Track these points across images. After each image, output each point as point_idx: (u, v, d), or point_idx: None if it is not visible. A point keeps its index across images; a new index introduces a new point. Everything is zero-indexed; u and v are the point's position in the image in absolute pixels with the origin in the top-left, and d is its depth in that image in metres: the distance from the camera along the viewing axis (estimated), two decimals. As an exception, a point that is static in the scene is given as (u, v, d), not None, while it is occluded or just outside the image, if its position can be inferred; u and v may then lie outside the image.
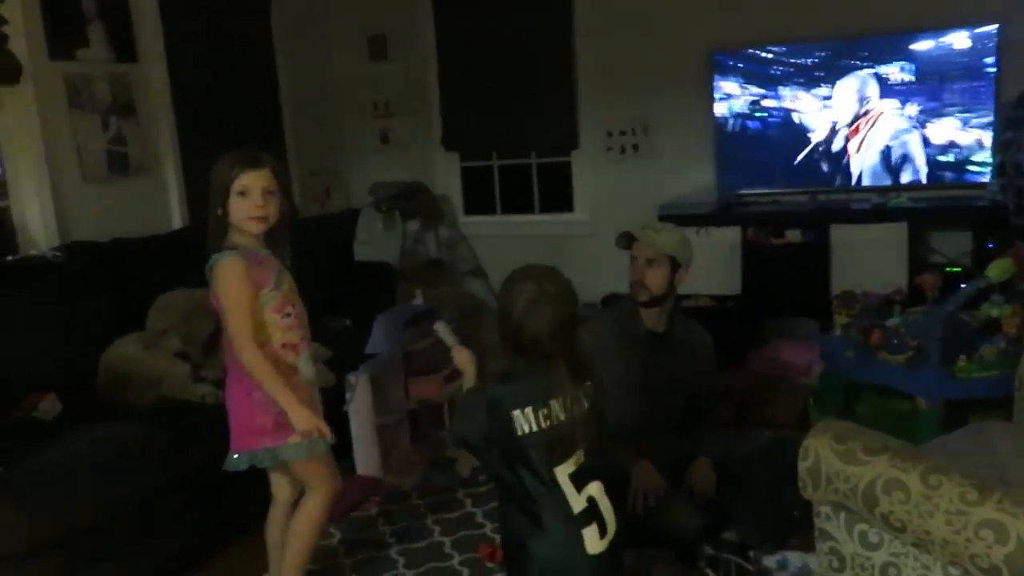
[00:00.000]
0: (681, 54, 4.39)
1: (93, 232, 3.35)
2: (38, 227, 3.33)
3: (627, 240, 2.63)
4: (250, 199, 1.99)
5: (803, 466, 1.76)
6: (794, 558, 2.40)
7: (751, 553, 2.43)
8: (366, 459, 3.21)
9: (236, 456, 2.07)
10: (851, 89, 4.06)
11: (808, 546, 2.22)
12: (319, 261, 4.03)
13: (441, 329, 2.04)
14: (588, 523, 1.71)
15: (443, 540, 2.74)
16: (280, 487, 2.24)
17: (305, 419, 2.00)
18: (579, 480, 1.71)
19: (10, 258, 3.08)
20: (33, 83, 3.27)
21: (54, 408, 2.70)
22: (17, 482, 2.13)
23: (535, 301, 1.68)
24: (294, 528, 2.17)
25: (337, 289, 3.98)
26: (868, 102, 4.04)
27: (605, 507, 1.74)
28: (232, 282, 1.97)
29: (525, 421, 1.67)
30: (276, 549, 2.25)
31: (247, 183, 1.99)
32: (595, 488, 1.74)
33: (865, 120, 4.06)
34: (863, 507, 1.64)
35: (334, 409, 3.15)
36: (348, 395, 3.14)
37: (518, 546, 1.74)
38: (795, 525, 2.49)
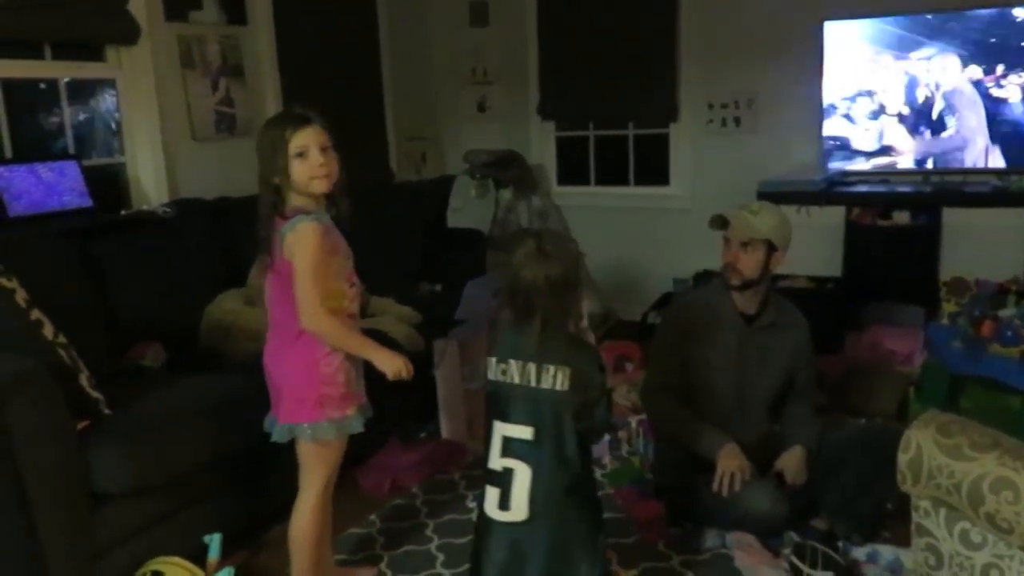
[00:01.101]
0: (790, 24, 4.21)
1: (200, 190, 3.48)
2: (150, 183, 3.48)
3: (721, 222, 2.54)
4: (309, 158, 1.93)
5: (903, 458, 1.68)
6: (885, 552, 2.32)
7: (840, 543, 2.36)
8: (452, 424, 3.26)
9: (288, 427, 2.02)
10: (970, 60, 3.81)
11: (901, 540, 2.15)
12: (413, 226, 4.09)
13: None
14: (492, 484, 1.78)
15: (524, 508, 2.77)
16: None
17: (391, 359, 1.99)
18: (509, 449, 1.75)
19: (123, 212, 3.23)
20: (150, 44, 3.40)
21: (159, 357, 2.83)
22: (125, 426, 2.24)
23: (531, 255, 1.75)
24: (292, 535, 2.11)
25: (429, 254, 4.03)
26: (991, 76, 3.79)
27: (519, 491, 1.73)
28: (311, 247, 1.90)
29: (489, 368, 1.81)
30: None
31: (302, 143, 1.92)
32: (521, 468, 1.74)
33: (987, 96, 3.82)
34: (967, 505, 1.56)
35: (422, 373, 3.21)
36: (436, 360, 3.19)
37: None
38: (888, 518, 2.41)
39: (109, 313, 2.79)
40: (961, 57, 3.81)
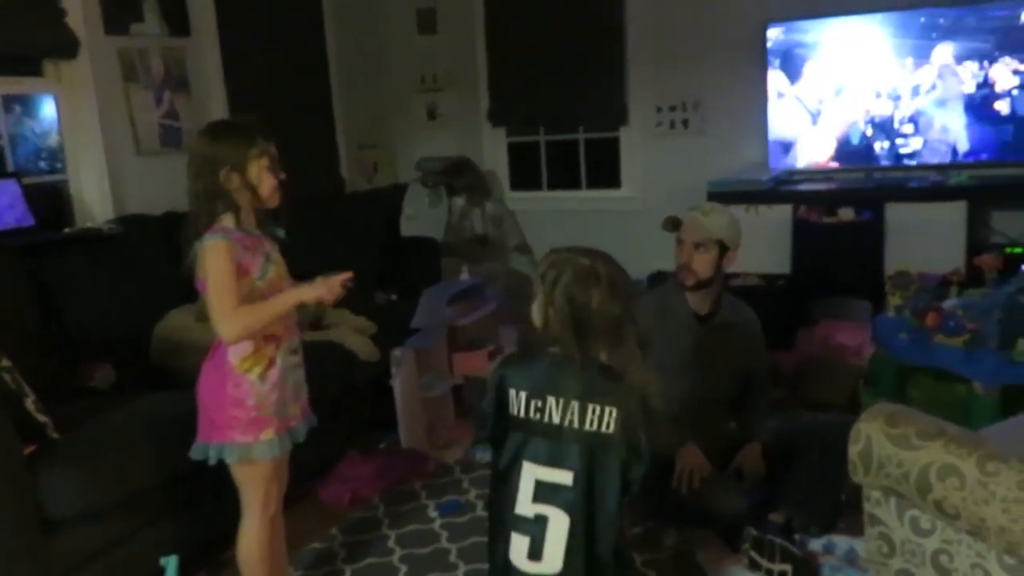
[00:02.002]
0: (736, 27, 4.29)
1: (146, 205, 3.41)
2: (94, 200, 3.41)
3: (673, 224, 2.58)
4: (275, 170, 1.92)
5: (854, 449, 1.72)
6: (841, 542, 2.37)
7: (797, 536, 2.40)
8: (411, 433, 3.24)
9: (203, 446, 1.98)
10: (910, 61, 3.92)
11: (856, 530, 2.19)
12: (367, 235, 4.06)
13: None
14: (521, 532, 1.61)
15: (485, 515, 2.75)
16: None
17: (312, 290, 1.91)
18: (543, 494, 1.60)
19: (67, 230, 3.15)
20: (89, 58, 3.33)
21: (109, 377, 2.78)
22: (74, 449, 2.19)
23: (595, 284, 1.60)
24: (239, 558, 2.08)
25: (384, 264, 4.01)
26: (928, 74, 3.90)
27: (554, 541, 1.58)
28: (215, 263, 1.86)
29: (517, 402, 1.64)
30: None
31: (274, 152, 1.92)
32: (556, 516, 1.59)
33: (925, 93, 3.93)
34: (916, 493, 1.60)
35: (380, 383, 3.19)
36: (393, 369, 3.17)
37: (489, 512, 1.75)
38: (843, 509, 2.46)
39: (55, 334, 2.74)
40: (903, 55, 3.92)
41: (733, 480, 2.53)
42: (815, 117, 4.14)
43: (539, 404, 1.61)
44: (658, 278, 4.17)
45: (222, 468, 2.02)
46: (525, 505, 1.61)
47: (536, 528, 1.60)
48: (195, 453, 2.01)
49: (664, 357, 2.57)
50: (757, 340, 2.75)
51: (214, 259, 1.87)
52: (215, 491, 2.44)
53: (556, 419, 1.60)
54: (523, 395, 1.63)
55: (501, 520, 1.67)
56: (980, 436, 1.65)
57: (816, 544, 2.39)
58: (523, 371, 1.66)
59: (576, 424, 1.59)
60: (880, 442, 1.67)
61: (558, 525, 1.58)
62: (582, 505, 1.59)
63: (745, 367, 2.70)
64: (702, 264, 2.54)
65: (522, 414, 1.63)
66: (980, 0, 3.75)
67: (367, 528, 2.75)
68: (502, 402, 1.65)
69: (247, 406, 1.94)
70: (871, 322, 3.28)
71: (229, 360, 1.94)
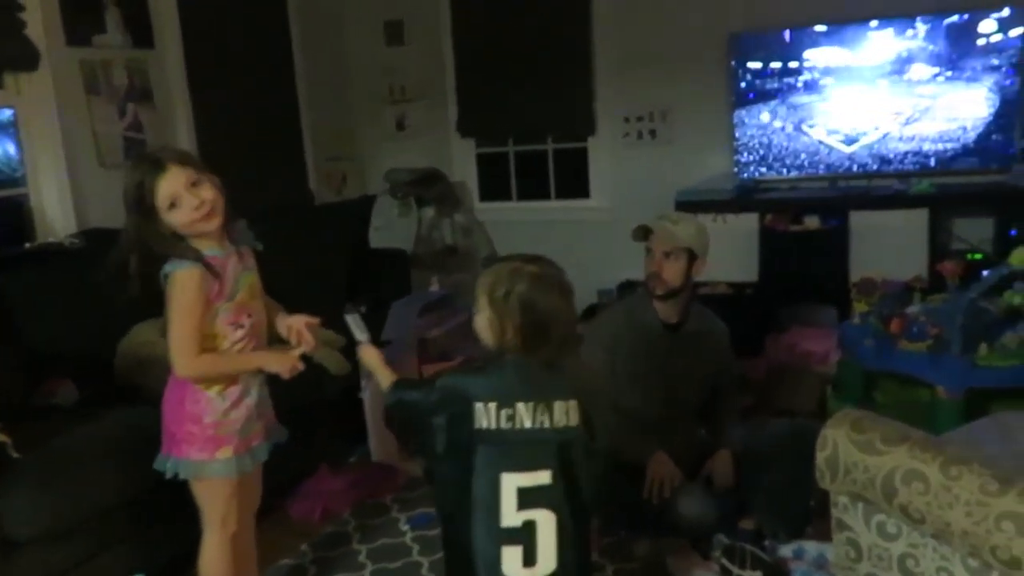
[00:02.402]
0: (701, 38, 4.33)
1: (110, 219, 3.33)
2: (56, 214, 3.35)
3: (643, 233, 2.59)
4: (183, 204, 1.80)
5: (821, 456, 1.74)
6: (810, 547, 2.38)
7: (767, 542, 2.42)
8: (381, 446, 3.22)
9: (163, 459, 1.97)
10: (875, 71, 3.99)
11: (825, 536, 2.20)
12: (336, 248, 4.03)
13: (351, 321, 1.97)
14: (512, 543, 1.60)
15: (458, 527, 2.75)
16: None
17: (280, 360, 1.93)
18: (527, 499, 1.60)
19: (28, 245, 3.10)
20: (50, 69, 3.28)
21: (71, 395, 2.72)
22: (35, 469, 2.15)
23: (547, 284, 1.62)
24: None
25: (353, 276, 3.98)
26: (890, 85, 3.98)
27: (545, 542, 1.60)
28: (184, 294, 1.82)
29: (485, 415, 1.61)
30: None
31: (168, 192, 1.80)
32: (543, 517, 1.60)
33: (888, 104, 4.00)
34: (881, 498, 1.62)
35: (349, 396, 3.17)
36: (363, 382, 3.15)
37: (449, 535, 1.70)
38: (812, 514, 2.48)
39: (16, 351, 2.67)
40: (865, 66, 3.99)
41: (703, 488, 2.54)
42: (781, 128, 4.19)
43: (509, 412, 1.61)
44: (627, 287, 4.19)
45: (186, 483, 1.99)
46: (511, 516, 1.60)
47: (526, 535, 1.60)
48: (157, 464, 1.98)
49: (633, 366, 2.59)
50: (725, 348, 2.77)
51: (183, 291, 1.83)
52: (182, 507, 2.41)
53: (528, 423, 1.61)
54: (492, 406, 1.62)
55: (476, 542, 1.62)
56: (943, 440, 1.68)
57: (786, 550, 2.40)
58: (485, 382, 1.65)
59: (548, 424, 1.62)
60: (846, 448, 1.69)
61: (547, 525, 1.60)
62: (564, 498, 1.62)
63: (714, 375, 2.72)
64: (672, 273, 2.55)
65: (493, 425, 1.61)
66: (941, 11, 3.83)
67: (338, 543, 2.72)
68: (462, 417, 1.63)
69: (204, 423, 1.91)
70: (837, 329, 3.32)
71: None
